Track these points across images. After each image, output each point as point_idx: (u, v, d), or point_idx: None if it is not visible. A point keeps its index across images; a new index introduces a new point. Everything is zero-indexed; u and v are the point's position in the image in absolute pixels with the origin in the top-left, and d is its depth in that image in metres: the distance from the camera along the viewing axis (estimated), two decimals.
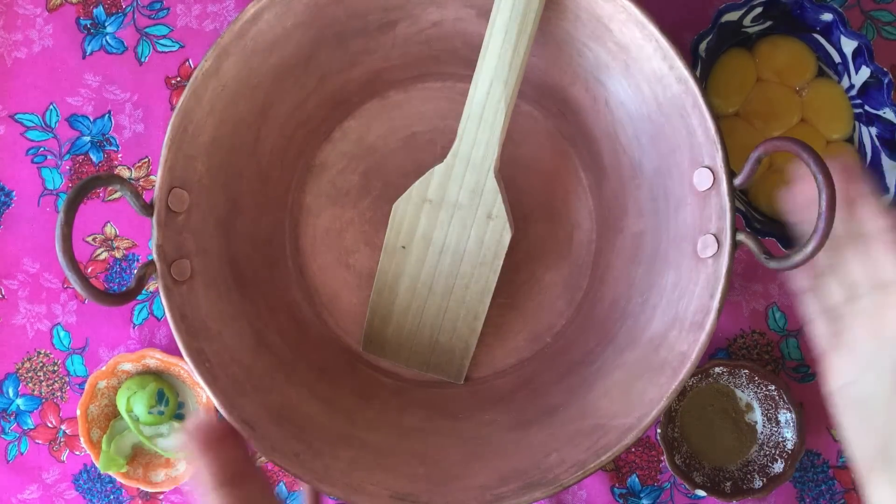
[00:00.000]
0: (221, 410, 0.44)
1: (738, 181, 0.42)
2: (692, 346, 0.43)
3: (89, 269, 0.59)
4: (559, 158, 0.55)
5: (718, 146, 0.42)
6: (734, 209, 0.42)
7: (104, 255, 0.59)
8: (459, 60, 0.52)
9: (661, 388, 0.43)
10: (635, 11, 0.42)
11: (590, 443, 0.44)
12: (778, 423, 0.56)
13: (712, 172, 0.42)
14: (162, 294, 0.44)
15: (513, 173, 0.54)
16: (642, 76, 0.45)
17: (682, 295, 0.44)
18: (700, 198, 0.43)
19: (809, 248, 0.38)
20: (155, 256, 0.43)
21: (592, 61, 0.47)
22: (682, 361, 0.43)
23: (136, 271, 0.43)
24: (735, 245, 0.42)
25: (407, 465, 0.46)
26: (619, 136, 0.49)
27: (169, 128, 0.44)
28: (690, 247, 0.44)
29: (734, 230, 0.41)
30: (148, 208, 0.44)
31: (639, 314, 0.48)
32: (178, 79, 0.59)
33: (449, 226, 0.50)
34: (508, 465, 0.46)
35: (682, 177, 0.45)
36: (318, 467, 0.44)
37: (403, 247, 0.51)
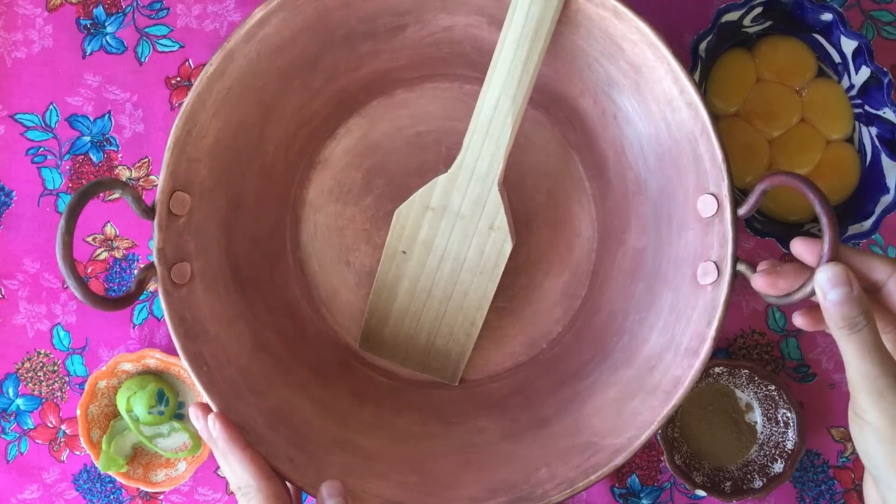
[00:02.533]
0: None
1: (742, 211, 0.41)
2: (686, 371, 0.42)
3: (89, 270, 0.59)
4: (564, 165, 0.55)
5: (725, 174, 0.41)
6: (736, 238, 0.41)
7: (104, 255, 0.59)
8: (468, 63, 0.52)
9: (654, 411, 0.43)
10: (648, 33, 0.42)
11: (580, 460, 0.44)
12: (778, 423, 0.56)
13: (717, 200, 0.42)
14: (162, 298, 0.44)
15: (516, 178, 0.54)
16: (652, 97, 0.44)
17: (679, 319, 0.44)
18: (703, 224, 0.43)
19: (809, 289, 0.38)
20: (155, 260, 0.43)
21: (603, 76, 0.47)
22: (676, 386, 0.43)
23: (136, 274, 0.43)
24: (735, 275, 0.41)
25: (398, 472, 0.46)
26: (626, 152, 0.49)
27: (172, 131, 0.44)
28: (690, 271, 0.44)
29: (735, 259, 0.41)
30: (149, 212, 0.43)
31: (636, 331, 0.47)
32: (178, 79, 0.59)
33: (450, 234, 0.50)
34: (499, 476, 0.46)
35: (687, 200, 0.44)
36: (311, 472, 0.44)
37: (404, 251, 0.51)
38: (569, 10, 0.44)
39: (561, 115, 0.53)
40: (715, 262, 0.42)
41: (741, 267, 0.41)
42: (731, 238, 0.41)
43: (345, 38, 0.49)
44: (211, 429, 0.43)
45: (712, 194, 0.42)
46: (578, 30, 0.45)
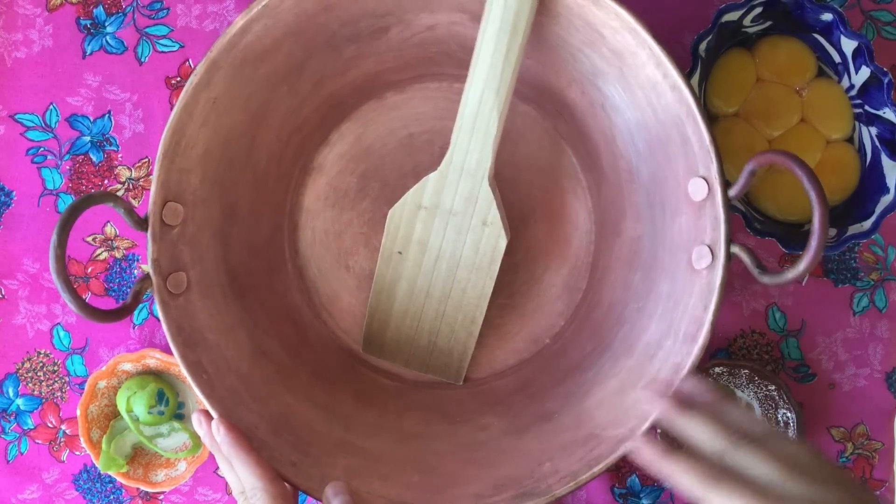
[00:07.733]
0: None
1: (732, 192, 0.41)
2: (685, 358, 0.43)
3: (89, 269, 0.59)
4: (557, 158, 0.55)
5: (713, 156, 0.41)
6: (729, 221, 0.41)
7: (104, 255, 0.59)
8: (456, 62, 0.52)
9: None
10: (628, 18, 0.42)
11: (583, 453, 0.44)
12: (778, 423, 0.56)
13: (707, 183, 0.42)
14: (159, 308, 0.44)
15: (511, 173, 0.54)
16: (637, 83, 0.45)
17: (677, 305, 0.44)
18: (695, 208, 0.43)
19: (802, 267, 0.38)
20: (150, 270, 0.44)
21: (588, 66, 0.47)
22: (676, 373, 0.43)
23: (132, 286, 0.43)
24: (729, 257, 0.41)
25: (403, 472, 0.47)
26: (616, 140, 0.49)
27: (161, 143, 0.44)
28: (685, 257, 0.44)
29: (728, 242, 0.41)
30: (142, 223, 0.43)
31: (635, 321, 0.47)
32: (178, 79, 0.59)
33: (444, 232, 0.50)
34: (502, 472, 0.46)
35: (678, 185, 0.44)
36: (316, 476, 0.44)
37: (400, 252, 0.51)
38: (547, 0, 0.44)
39: (551, 108, 0.53)
40: (709, 246, 0.42)
41: (735, 249, 0.41)
42: (724, 220, 0.42)
43: (328, 43, 0.49)
44: (215, 433, 0.43)
45: (702, 177, 0.42)
46: (559, 20, 0.45)
